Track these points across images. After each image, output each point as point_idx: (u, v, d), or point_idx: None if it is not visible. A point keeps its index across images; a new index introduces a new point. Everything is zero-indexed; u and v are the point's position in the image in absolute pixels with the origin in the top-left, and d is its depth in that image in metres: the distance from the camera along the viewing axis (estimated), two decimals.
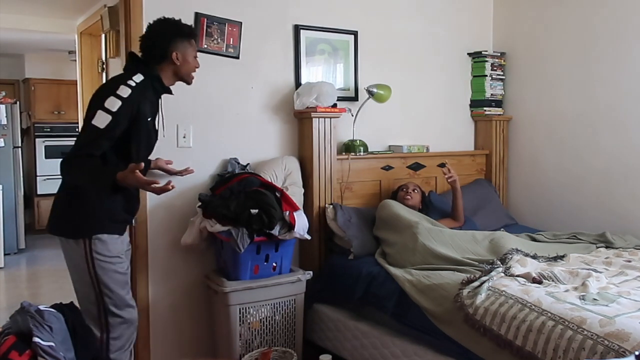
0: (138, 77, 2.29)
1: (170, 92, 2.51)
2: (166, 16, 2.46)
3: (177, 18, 2.46)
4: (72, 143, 2.27)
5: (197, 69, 2.53)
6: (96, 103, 2.21)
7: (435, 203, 3.50)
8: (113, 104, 2.18)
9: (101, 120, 2.17)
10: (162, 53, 2.38)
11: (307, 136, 3.23)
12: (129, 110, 2.22)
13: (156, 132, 2.50)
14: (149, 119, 2.35)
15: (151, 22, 2.46)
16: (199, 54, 2.95)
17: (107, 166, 2.23)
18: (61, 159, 2.24)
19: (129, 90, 2.22)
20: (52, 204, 2.39)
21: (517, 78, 4.00)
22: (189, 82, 2.53)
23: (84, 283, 2.31)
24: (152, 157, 2.88)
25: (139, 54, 2.43)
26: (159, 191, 2.20)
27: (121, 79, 2.28)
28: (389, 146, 3.68)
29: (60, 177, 2.33)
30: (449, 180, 3.38)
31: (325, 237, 3.26)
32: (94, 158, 2.18)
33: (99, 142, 2.18)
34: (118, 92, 2.20)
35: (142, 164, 2.14)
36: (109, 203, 2.31)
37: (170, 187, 2.18)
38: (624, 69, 3.40)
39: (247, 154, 3.16)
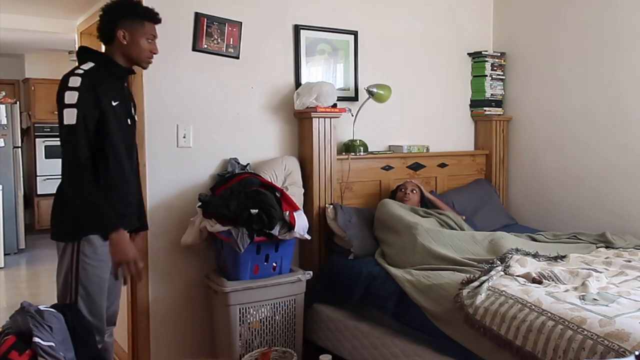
0: (87, 65, 2.22)
1: (132, 72, 2.42)
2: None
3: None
4: None
5: (154, 54, 2.37)
6: (58, 105, 2.17)
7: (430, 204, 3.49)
8: (71, 97, 2.13)
9: (70, 116, 2.12)
10: (109, 32, 2.29)
11: (307, 136, 3.23)
12: (88, 97, 2.15)
13: (132, 117, 2.41)
14: (114, 103, 2.26)
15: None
16: (199, 53, 2.99)
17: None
18: (62, 166, 2.20)
19: (79, 79, 2.16)
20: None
21: (517, 78, 4.00)
22: (143, 67, 2.40)
23: (64, 284, 2.24)
24: (147, 158, 2.89)
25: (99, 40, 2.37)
26: (137, 275, 2.23)
27: (69, 73, 2.21)
28: (389, 146, 3.68)
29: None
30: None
31: (325, 237, 3.26)
32: (92, 177, 2.15)
33: (80, 140, 2.12)
34: (70, 84, 2.15)
35: (142, 265, 2.24)
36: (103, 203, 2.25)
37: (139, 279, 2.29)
38: (623, 68, 3.39)
39: (247, 154, 3.16)
